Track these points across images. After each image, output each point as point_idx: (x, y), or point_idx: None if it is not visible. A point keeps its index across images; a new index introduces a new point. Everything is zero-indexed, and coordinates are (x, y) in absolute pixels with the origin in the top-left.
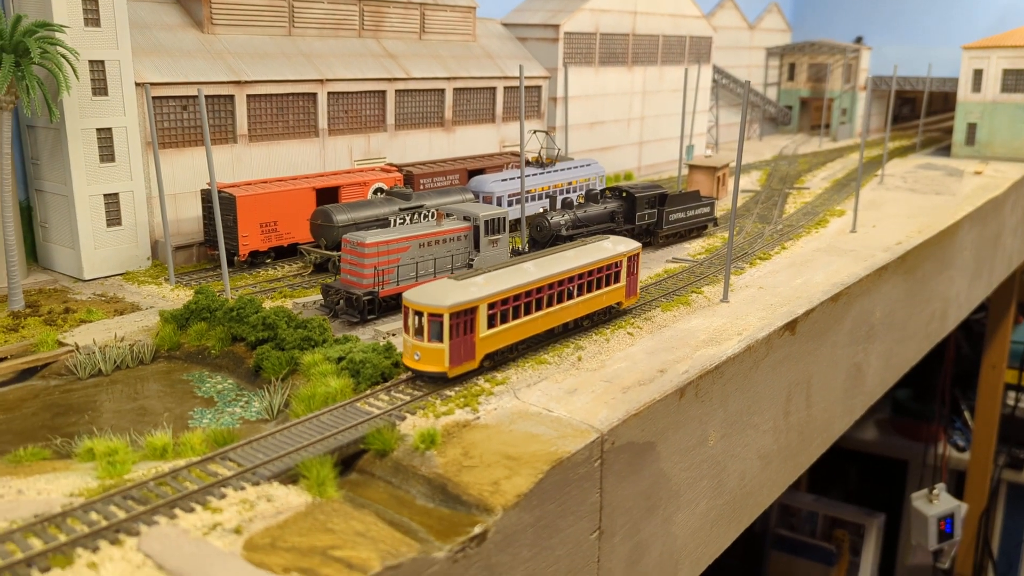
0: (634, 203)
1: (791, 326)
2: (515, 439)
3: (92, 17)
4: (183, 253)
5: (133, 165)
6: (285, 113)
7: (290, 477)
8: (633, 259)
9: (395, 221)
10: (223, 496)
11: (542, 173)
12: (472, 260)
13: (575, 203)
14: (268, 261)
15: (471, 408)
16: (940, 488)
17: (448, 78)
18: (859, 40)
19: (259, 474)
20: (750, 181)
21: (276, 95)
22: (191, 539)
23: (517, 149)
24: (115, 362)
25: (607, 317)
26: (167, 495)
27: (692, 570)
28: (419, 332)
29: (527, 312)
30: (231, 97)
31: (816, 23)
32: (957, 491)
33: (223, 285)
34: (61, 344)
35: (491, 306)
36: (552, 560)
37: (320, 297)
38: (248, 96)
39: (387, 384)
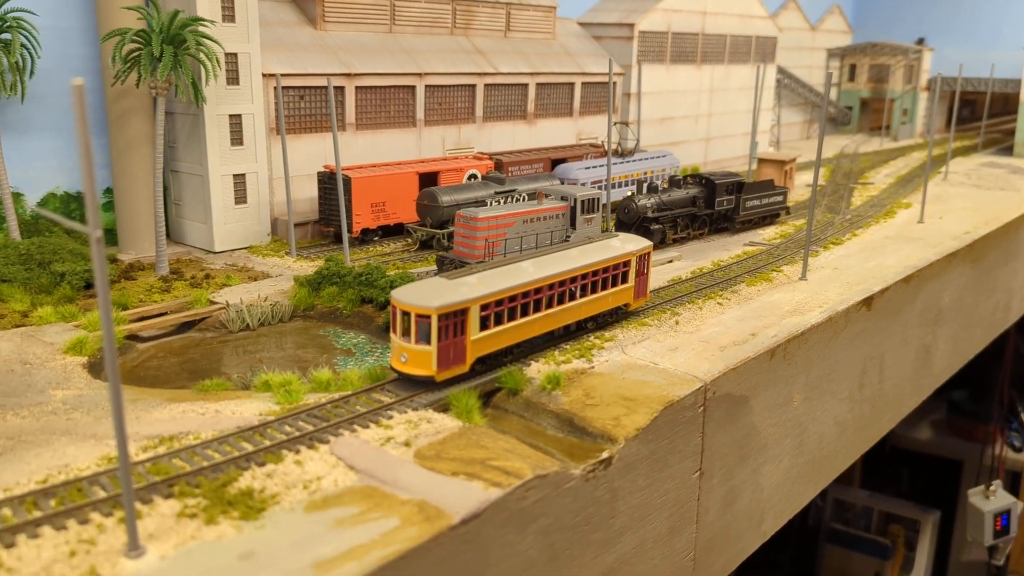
0: (714, 189)
1: (868, 302)
2: (629, 385)
3: (228, 14)
4: (299, 230)
5: (258, 149)
6: (387, 104)
7: (441, 407)
8: (643, 258)
9: (491, 203)
10: (390, 417)
11: (622, 162)
12: (569, 236)
13: (659, 188)
14: (376, 239)
15: (586, 359)
16: (997, 484)
17: (531, 73)
18: (921, 41)
19: (416, 402)
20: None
21: (380, 87)
22: (371, 447)
23: (594, 141)
24: (259, 319)
25: (614, 319)
26: (343, 415)
27: (775, 522)
28: (406, 333)
29: (524, 314)
30: (342, 88)
31: (877, 24)
32: (1013, 491)
33: (343, 256)
34: (212, 302)
35: (484, 307)
36: (661, 492)
37: (435, 267)
38: (356, 88)
39: None
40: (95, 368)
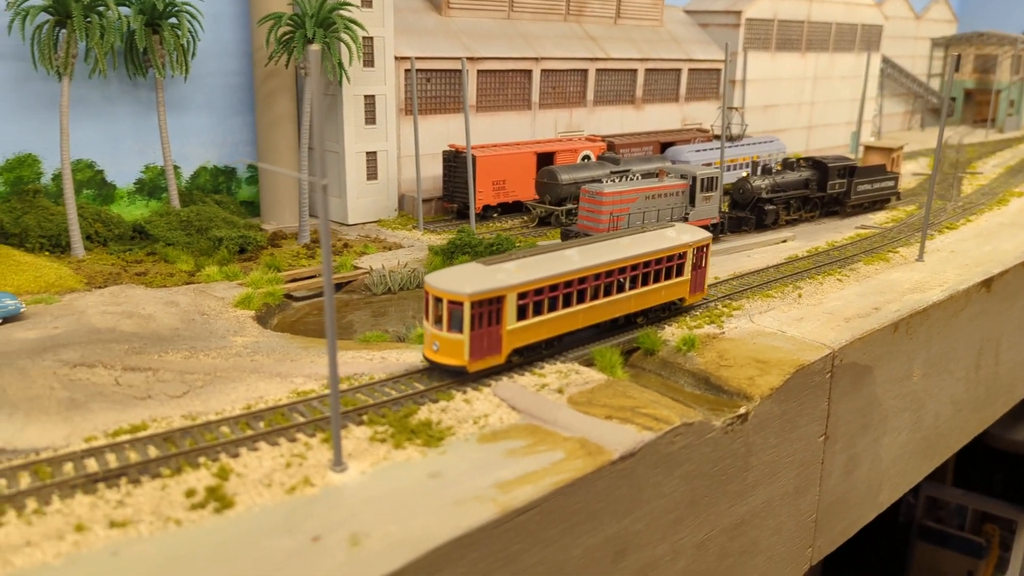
0: (826, 172)
1: (987, 283)
2: (760, 349)
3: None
4: (423, 206)
5: (389, 128)
6: (505, 87)
7: (586, 361)
8: (701, 251)
9: (606, 181)
10: (542, 368)
11: (731, 147)
12: (688, 214)
13: (773, 170)
14: (495, 216)
15: (716, 325)
16: None
17: (640, 59)
18: None
19: (564, 356)
20: (919, 166)
21: (499, 71)
22: (529, 392)
23: (700, 126)
24: (400, 283)
25: (668, 314)
26: None
27: (891, 494)
28: (439, 320)
29: (567, 304)
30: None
31: (983, 14)
32: None
33: (468, 229)
34: (356, 268)
35: (522, 296)
36: (790, 452)
37: (559, 240)
38: (478, 71)
39: None
40: (262, 320)
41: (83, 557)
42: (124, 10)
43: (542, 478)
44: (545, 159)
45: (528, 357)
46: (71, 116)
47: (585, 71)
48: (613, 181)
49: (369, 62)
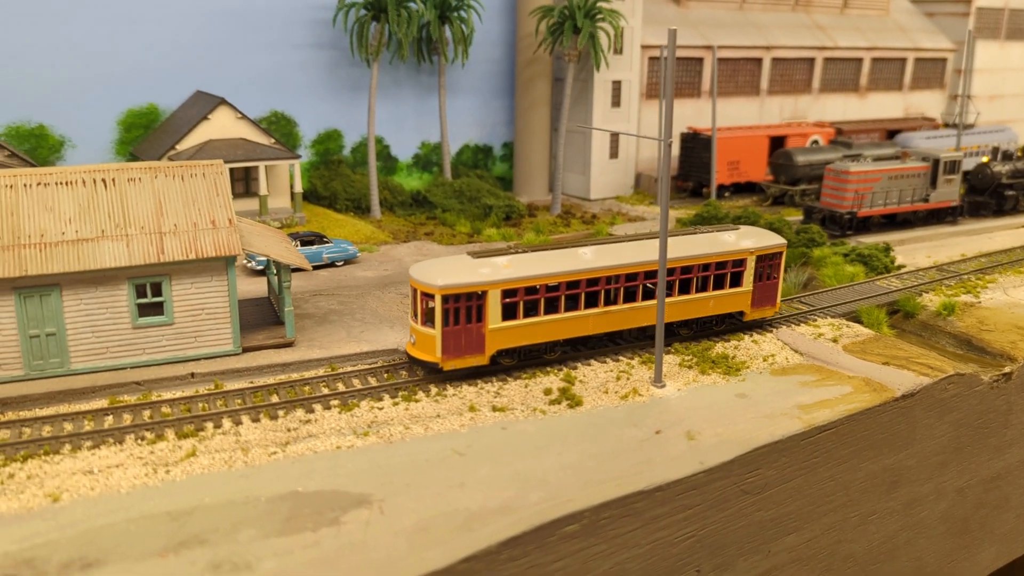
0: None
1: None
2: (1019, 318)
3: None
4: (656, 184)
5: (631, 111)
6: (737, 74)
7: (852, 318)
8: (769, 259)
9: (849, 162)
10: (815, 320)
11: (964, 135)
12: (928, 195)
13: (1014, 156)
14: (727, 195)
15: (973, 295)
16: None
17: (867, 48)
18: None
19: (831, 312)
20: None
21: (732, 59)
22: (808, 338)
23: (925, 114)
24: None
25: (723, 328)
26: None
27: None
28: (416, 313)
29: (571, 307)
30: (700, 59)
31: None
32: None
33: (717, 202)
34: (610, 235)
35: (510, 293)
36: None
37: (800, 217)
38: (711, 59)
39: (889, 273)
40: None
41: (480, 429)
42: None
43: (836, 405)
44: (777, 142)
45: (528, 360)
46: (368, 98)
47: (812, 59)
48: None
49: (618, 50)
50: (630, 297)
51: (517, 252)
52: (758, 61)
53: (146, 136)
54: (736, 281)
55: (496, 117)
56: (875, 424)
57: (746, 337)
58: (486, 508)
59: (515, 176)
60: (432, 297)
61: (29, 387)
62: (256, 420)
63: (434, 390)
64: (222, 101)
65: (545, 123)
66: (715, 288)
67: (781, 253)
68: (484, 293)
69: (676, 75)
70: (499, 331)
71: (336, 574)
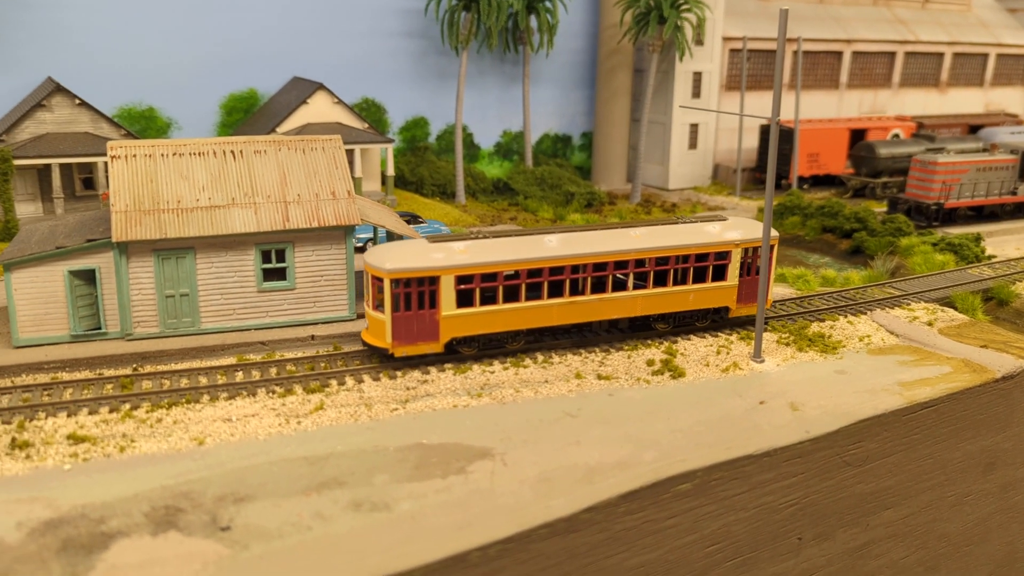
0: None
1: None
2: None
3: None
4: (735, 175)
5: (710, 102)
6: (816, 67)
7: (945, 303)
8: (757, 252)
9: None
10: (909, 304)
11: None
12: (1016, 188)
13: None
14: (806, 187)
15: None
16: None
17: (949, 43)
18: None
19: (925, 297)
20: None
21: (812, 52)
22: (902, 321)
23: (1006, 110)
24: None
25: (706, 325)
26: (865, 297)
27: None
28: (369, 298)
29: (533, 296)
30: (843, 53)
31: None
32: None
33: (797, 192)
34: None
35: (465, 279)
36: None
37: (884, 208)
38: (793, 52)
39: (980, 263)
40: None
41: (587, 395)
42: None
43: (936, 383)
44: (857, 135)
45: (490, 350)
46: (454, 86)
47: (893, 53)
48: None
49: (699, 42)
50: (599, 288)
51: (479, 238)
52: (838, 54)
53: (246, 119)
54: (719, 275)
55: (576, 107)
56: (974, 404)
57: (841, 318)
58: (604, 464)
59: (593, 165)
60: (382, 281)
61: (165, 343)
62: (376, 379)
63: (540, 357)
64: (320, 86)
65: (625, 113)
66: (696, 281)
67: (772, 246)
68: (437, 278)
69: (755, 67)
70: (453, 318)
71: (468, 516)
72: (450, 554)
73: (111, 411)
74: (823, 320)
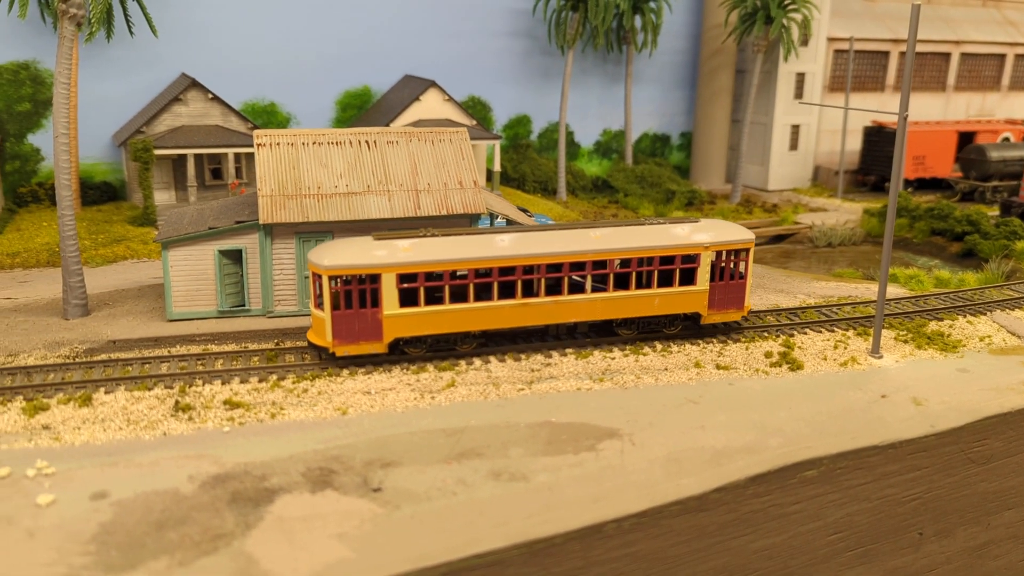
0: None
1: None
2: None
3: None
4: (836, 178)
5: (813, 103)
6: (923, 69)
7: None
8: (732, 256)
9: None
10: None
11: None
12: None
13: None
14: (910, 190)
15: None
16: None
17: None
18: None
19: None
20: None
21: (919, 53)
22: (1014, 319)
23: None
24: (839, 238)
25: (675, 331)
26: (982, 299)
27: None
28: (312, 296)
29: (482, 297)
30: (886, 53)
31: None
32: None
33: (904, 193)
34: (796, 223)
35: (407, 278)
36: None
37: (997, 212)
38: (900, 53)
39: None
40: None
41: (707, 383)
42: None
43: None
44: (965, 138)
45: (437, 351)
46: (557, 85)
47: (1003, 56)
48: None
49: (804, 42)
50: (554, 290)
51: (427, 236)
52: (946, 56)
53: (360, 115)
54: (688, 279)
55: (676, 107)
56: None
57: (959, 318)
58: (730, 447)
59: (692, 165)
60: (321, 278)
61: (303, 321)
62: (502, 360)
63: (659, 346)
64: (432, 84)
65: (726, 114)
66: (661, 285)
67: (748, 250)
68: (378, 276)
69: (860, 68)
70: (397, 318)
71: (601, 490)
72: (587, 524)
73: (260, 380)
74: (941, 319)
